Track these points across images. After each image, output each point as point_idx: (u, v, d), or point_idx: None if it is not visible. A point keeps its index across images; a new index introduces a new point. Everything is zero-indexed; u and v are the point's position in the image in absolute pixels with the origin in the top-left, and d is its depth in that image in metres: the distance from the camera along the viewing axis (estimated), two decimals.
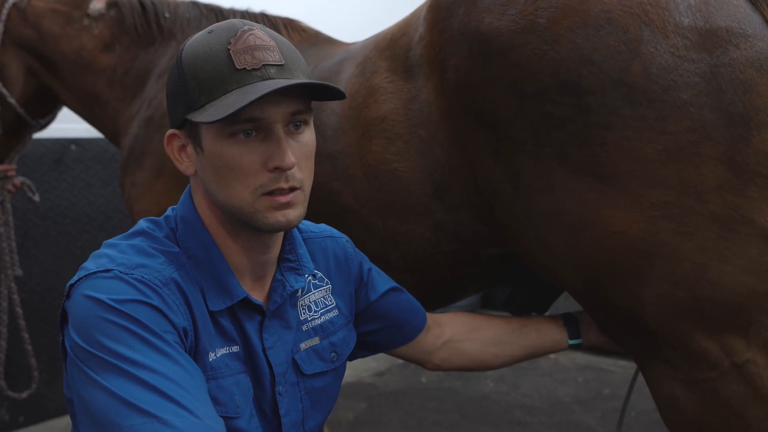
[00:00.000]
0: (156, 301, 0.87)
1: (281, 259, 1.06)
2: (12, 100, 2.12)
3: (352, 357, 1.25)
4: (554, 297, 1.44)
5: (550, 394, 3.06)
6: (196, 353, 0.92)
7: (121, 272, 0.88)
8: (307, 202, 0.95)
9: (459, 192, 1.22)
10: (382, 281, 1.24)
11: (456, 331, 1.31)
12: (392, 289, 1.24)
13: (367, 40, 1.51)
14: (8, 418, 2.91)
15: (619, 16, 0.99)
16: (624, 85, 0.98)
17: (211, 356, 0.94)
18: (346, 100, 1.36)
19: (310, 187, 0.96)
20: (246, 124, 0.88)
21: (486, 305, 4.78)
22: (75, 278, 0.90)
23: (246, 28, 0.90)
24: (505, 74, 1.07)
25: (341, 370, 1.16)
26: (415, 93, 1.25)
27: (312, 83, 0.89)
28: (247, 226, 0.95)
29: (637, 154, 0.98)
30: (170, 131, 0.96)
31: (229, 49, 0.88)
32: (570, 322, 1.32)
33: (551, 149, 1.04)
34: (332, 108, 1.40)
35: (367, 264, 1.23)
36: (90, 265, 0.91)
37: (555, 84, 1.02)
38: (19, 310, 2.35)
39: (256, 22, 1.91)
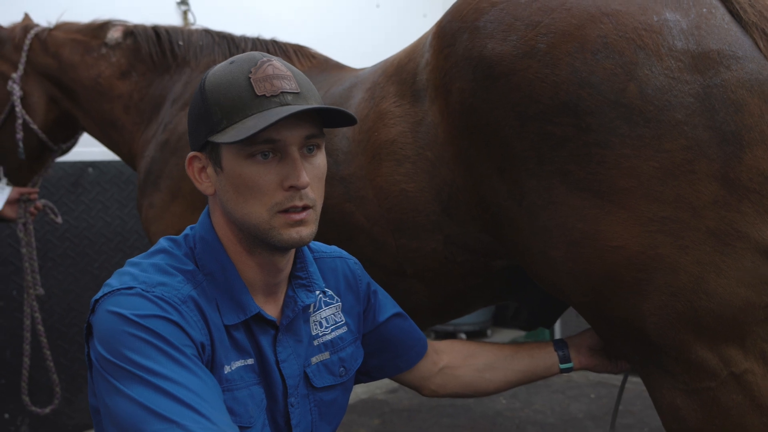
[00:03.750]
0: (175, 317, 0.92)
1: (293, 277, 1.12)
2: (34, 127, 2.20)
3: (360, 378, 1.30)
4: (560, 311, 1.47)
5: (563, 410, 3.06)
6: (212, 366, 0.97)
7: (143, 290, 0.94)
8: (318, 221, 1.02)
9: (467, 209, 1.26)
10: (388, 305, 1.29)
11: (452, 358, 1.35)
12: (397, 315, 1.29)
13: (375, 65, 1.56)
14: None
15: (615, 41, 1.04)
16: (621, 106, 1.02)
17: (227, 369, 1.00)
18: (357, 125, 1.42)
19: (321, 207, 1.02)
20: (264, 145, 0.94)
21: (498, 323, 4.80)
22: (100, 294, 0.96)
23: (265, 59, 0.98)
24: (508, 97, 1.11)
25: (349, 384, 1.21)
26: (421, 116, 1.30)
27: (326, 108, 0.96)
28: (262, 243, 1.00)
29: (635, 171, 1.02)
30: (191, 153, 1.03)
31: (249, 78, 0.95)
32: (561, 348, 1.36)
33: (553, 167, 1.08)
34: (344, 132, 1.45)
35: (374, 286, 1.28)
36: (114, 282, 0.97)
37: (555, 105, 1.06)
38: (40, 328, 2.40)
39: (267, 48, 1.99)
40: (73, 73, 2.19)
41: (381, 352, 1.28)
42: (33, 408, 2.41)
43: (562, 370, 1.35)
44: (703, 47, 1.01)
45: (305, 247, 1.16)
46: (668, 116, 1.00)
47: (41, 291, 2.42)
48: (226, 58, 2.04)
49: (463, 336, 4.56)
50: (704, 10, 1.05)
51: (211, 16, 3.29)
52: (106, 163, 3.20)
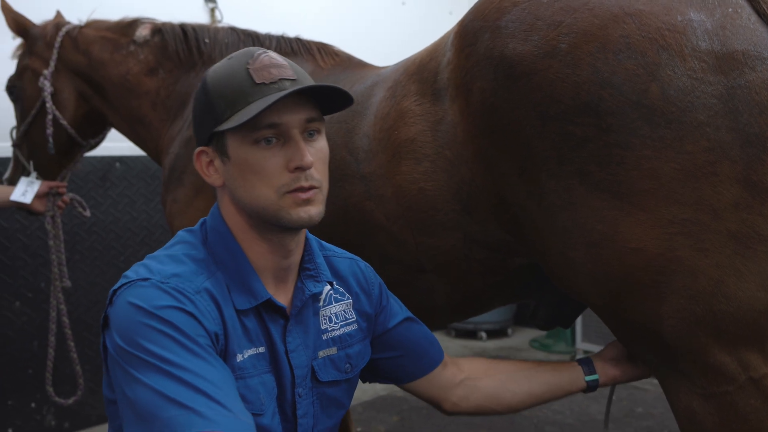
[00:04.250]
0: (190, 308, 0.95)
1: (301, 269, 1.15)
2: (64, 122, 2.25)
3: (370, 378, 1.31)
4: (578, 312, 1.46)
5: (582, 411, 3.05)
6: (225, 355, 1.00)
7: (158, 281, 0.97)
8: (325, 201, 1.05)
9: (486, 207, 1.26)
10: (399, 309, 1.30)
11: (473, 369, 1.34)
12: (409, 319, 1.30)
13: (397, 64, 1.57)
14: (54, 424, 3.03)
15: (638, 41, 1.03)
16: (643, 107, 1.01)
17: (239, 357, 1.02)
18: (378, 123, 1.42)
19: (327, 189, 1.06)
20: (267, 130, 0.99)
21: (518, 322, 4.79)
22: (117, 285, 0.99)
23: (261, 51, 1.03)
24: (529, 96, 1.11)
25: (354, 381, 1.23)
26: (441, 115, 1.30)
27: (324, 86, 1.00)
28: (272, 227, 1.04)
29: (656, 172, 1.01)
30: (198, 149, 1.07)
31: (248, 68, 1.00)
32: (585, 362, 1.35)
33: (573, 168, 1.08)
34: (365, 131, 1.46)
35: (386, 290, 1.29)
36: (130, 274, 1.01)
37: (576, 106, 1.06)
38: (65, 320, 2.46)
39: (291, 46, 2.01)
40: (102, 70, 2.23)
41: (394, 357, 1.28)
42: (57, 399, 2.47)
43: (589, 384, 1.33)
44: (728, 48, 1.00)
45: (312, 241, 1.19)
46: (690, 117, 0.99)
47: (68, 283, 2.48)
48: None
49: (484, 335, 4.55)
50: (730, 9, 1.03)
51: (237, 14, 3.33)
52: (133, 158, 3.25)
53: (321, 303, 1.17)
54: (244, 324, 1.04)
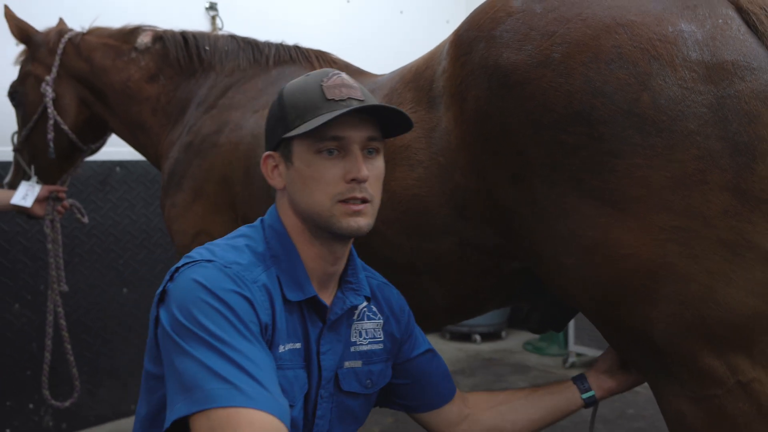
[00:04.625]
0: (248, 294, 1.02)
1: (343, 281, 1.21)
2: (65, 128, 2.27)
3: (382, 402, 1.34)
4: (571, 316, 1.48)
5: (575, 414, 3.05)
6: (270, 345, 1.06)
7: (222, 265, 1.03)
8: (375, 215, 1.13)
9: (480, 213, 1.28)
10: (423, 340, 1.35)
11: (476, 404, 1.37)
12: (430, 351, 1.35)
13: (394, 72, 1.59)
14: (52, 425, 3.04)
15: (630, 51, 1.05)
16: (634, 116, 1.03)
17: (281, 348, 1.08)
18: None
19: (378, 204, 1.14)
20: (330, 142, 1.07)
21: (512, 325, 4.80)
22: (180, 264, 1.06)
23: (335, 72, 1.12)
24: (522, 105, 1.13)
25: (372, 399, 1.27)
26: (436, 122, 1.32)
27: (387, 107, 1.09)
28: (324, 232, 1.11)
29: (647, 180, 1.03)
30: (266, 153, 1.16)
31: (321, 85, 1.09)
32: (579, 380, 1.37)
33: (565, 175, 1.10)
34: None
35: (413, 320, 1.34)
36: (194, 255, 1.07)
37: (569, 114, 1.08)
38: (63, 322, 2.47)
39: (290, 53, 2.04)
40: (104, 77, 2.25)
41: (408, 385, 1.33)
42: (53, 402, 2.48)
43: (586, 401, 1.35)
44: (718, 58, 1.02)
45: (357, 258, 1.25)
46: (681, 126, 1.01)
47: (65, 288, 2.49)
48: (250, 63, 2.09)
49: (478, 338, 4.57)
50: (720, 20, 1.05)
51: (238, 22, 3.36)
52: (133, 163, 3.27)
53: (355, 317, 1.23)
54: (288, 319, 1.10)
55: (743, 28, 1.05)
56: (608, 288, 1.09)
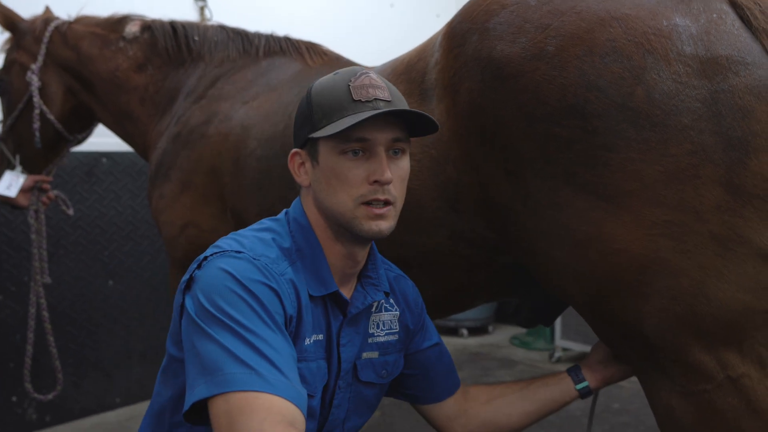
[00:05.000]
0: (275, 286, 1.03)
1: (363, 276, 1.23)
2: (51, 117, 2.24)
3: (389, 392, 1.35)
4: (560, 310, 1.48)
5: (563, 409, 3.07)
6: (295, 338, 1.08)
7: (252, 257, 1.05)
8: (397, 216, 1.13)
9: (472, 206, 1.28)
10: (434, 333, 1.36)
11: (475, 398, 1.38)
12: (440, 344, 1.36)
13: (386, 64, 1.58)
14: (35, 418, 3.00)
15: (624, 45, 1.04)
16: (628, 110, 1.03)
17: (307, 341, 1.10)
18: None
19: (401, 205, 1.14)
20: (355, 143, 1.07)
21: (499, 319, 4.82)
22: (208, 253, 1.07)
23: (364, 71, 1.12)
24: (516, 98, 1.12)
25: (385, 388, 1.29)
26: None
27: (412, 111, 1.08)
28: (346, 233, 1.12)
29: (640, 174, 1.03)
30: (294, 150, 1.17)
31: (349, 86, 1.09)
32: (573, 371, 1.38)
33: (559, 169, 1.09)
34: None
35: (425, 312, 1.35)
36: (222, 245, 1.09)
37: (562, 108, 1.07)
38: (46, 314, 2.44)
39: (280, 45, 2.02)
40: (91, 66, 2.22)
41: (415, 376, 1.34)
42: (35, 395, 2.46)
43: (580, 392, 1.36)
44: (712, 52, 1.02)
45: (377, 253, 1.26)
46: (675, 121, 1.01)
47: (48, 279, 2.46)
48: (239, 54, 2.07)
49: (465, 332, 4.58)
50: (714, 15, 1.05)
51: (227, 13, 3.32)
52: (119, 154, 3.24)
53: (374, 309, 1.25)
54: (313, 312, 1.12)
55: (737, 23, 1.05)
56: (600, 282, 1.09)
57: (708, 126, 1.00)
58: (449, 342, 4.45)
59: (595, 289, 1.10)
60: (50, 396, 2.50)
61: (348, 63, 1.95)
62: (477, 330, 4.67)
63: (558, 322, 3.90)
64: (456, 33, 1.26)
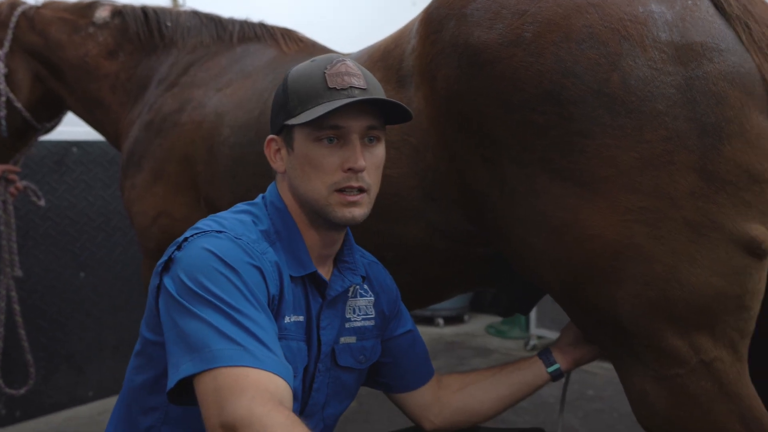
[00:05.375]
0: (259, 265, 1.04)
1: (340, 261, 1.23)
2: (18, 105, 2.18)
3: (365, 380, 1.34)
4: (537, 299, 1.49)
5: (535, 394, 3.09)
6: (277, 315, 1.08)
7: (234, 236, 1.05)
8: (372, 204, 1.14)
9: (449, 195, 1.27)
10: (409, 320, 1.36)
11: (448, 387, 1.38)
12: (413, 332, 1.36)
13: (362, 50, 1.56)
14: (5, 413, 2.95)
15: (600, 31, 1.04)
16: (604, 96, 1.03)
17: (287, 319, 1.11)
18: None
19: (376, 193, 1.15)
20: (330, 131, 1.08)
21: (475, 308, 4.85)
22: (188, 234, 1.07)
23: (340, 59, 1.11)
24: (493, 84, 1.12)
25: (363, 374, 1.29)
26: (406, 102, 1.30)
27: (387, 100, 1.09)
28: (320, 218, 1.13)
29: (615, 161, 1.03)
30: (270, 136, 1.18)
31: (324, 73, 1.09)
32: (544, 354, 1.39)
33: (535, 155, 1.09)
34: None
35: (400, 299, 1.35)
36: (202, 225, 1.08)
37: (539, 94, 1.07)
38: (16, 307, 2.39)
39: (255, 31, 1.99)
40: (60, 52, 2.17)
41: (389, 364, 1.33)
42: (7, 390, 2.41)
43: (552, 374, 1.37)
44: (687, 39, 1.03)
45: (352, 239, 1.26)
46: (650, 107, 1.01)
47: (19, 273, 2.41)
48: (213, 40, 2.04)
49: (441, 321, 4.60)
50: (689, 2, 1.06)
51: None
52: (90, 143, 3.17)
53: (350, 294, 1.25)
54: (293, 292, 1.13)
55: (712, 9, 1.06)
56: (576, 268, 1.09)
57: (683, 112, 1.01)
58: (425, 331, 4.47)
59: (571, 276, 1.11)
60: (22, 390, 2.46)
61: (324, 50, 1.93)
62: (453, 319, 4.69)
63: (533, 311, 3.94)
64: (433, 19, 1.25)
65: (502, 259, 1.29)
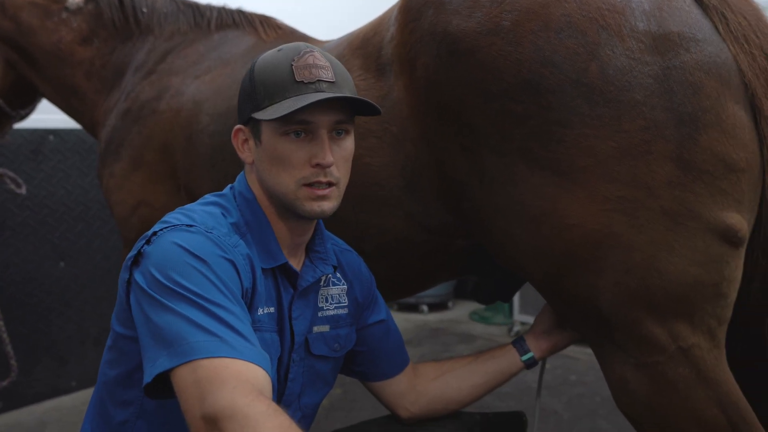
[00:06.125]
0: (232, 258, 1.03)
1: (311, 250, 1.23)
2: None
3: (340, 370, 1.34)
4: (518, 287, 1.49)
5: (518, 380, 3.08)
6: (250, 307, 1.08)
7: (205, 230, 1.04)
8: (341, 197, 1.13)
9: (429, 185, 1.27)
10: (383, 309, 1.36)
11: (424, 375, 1.38)
12: (387, 321, 1.36)
13: (341, 38, 1.55)
14: None
15: (579, 20, 1.04)
16: (582, 86, 1.03)
17: (260, 311, 1.11)
18: None
19: (345, 185, 1.14)
20: (297, 125, 1.06)
21: (459, 295, 4.87)
22: (156, 228, 1.05)
23: (308, 49, 1.09)
24: (471, 73, 1.12)
25: (339, 362, 1.29)
26: (387, 90, 1.29)
27: (354, 98, 1.07)
28: (289, 212, 1.12)
29: (594, 150, 1.03)
30: (237, 126, 1.15)
31: (292, 65, 1.07)
32: (518, 342, 1.39)
33: (514, 145, 1.09)
34: None
35: (375, 287, 1.35)
36: (171, 219, 1.07)
37: (518, 83, 1.07)
38: None
39: (233, 17, 1.97)
40: (32, 38, 2.12)
41: (363, 353, 1.33)
42: None
43: (526, 362, 1.37)
44: (664, 29, 1.03)
45: (324, 228, 1.26)
46: (628, 97, 1.01)
47: None
48: (190, 27, 2.01)
49: (425, 308, 4.62)
50: None
51: None
52: (67, 131, 3.13)
53: (322, 283, 1.25)
54: (264, 284, 1.12)
55: None
56: (556, 258, 1.10)
57: (660, 102, 1.01)
58: (410, 318, 4.49)
59: (551, 266, 1.11)
60: (5, 383, 2.43)
61: (303, 38, 1.91)
62: (437, 306, 4.71)
63: (516, 297, 3.96)
64: (411, 6, 1.24)
65: (483, 250, 1.29)
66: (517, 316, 3.99)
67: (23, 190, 2.43)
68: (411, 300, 4.59)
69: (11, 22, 2.12)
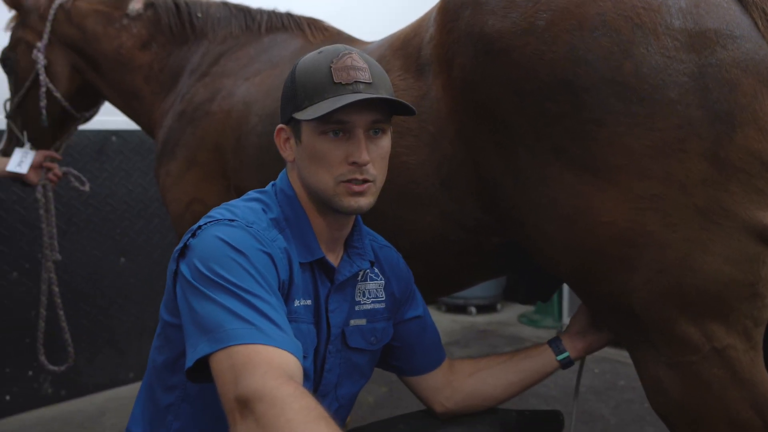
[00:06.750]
0: (270, 251, 1.08)
1: (349, 246, 1.27)
2: (58, 95, 2.26)
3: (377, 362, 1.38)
4: (556, 286, 1.49)
5: (566, 384, 3.09)
6: (287, 299, 1.13)
7: (245, 224, 1.09)
8: (378, 193, 1.17)
9: (464, 183, 1.29)
10: (420, 305, 1.39)
11: (461, 372, 1.40)
12: (425, 317, 1.39)
13: (383, 39, 1.58)
14: (51, 392, 3.08)
15: (613, 19, 1.05)
16: (616, 84, 1.03)
17: (297, 303, 1.16)
18: None
19: (382, 182, 1.18)
20: (335, 125, 1.11)
21: (507, 297, 4.83)
22: (201, 222, 1.12)
23: (347, 51, 1.14)
24: (507, 73, 1.13)
25: (377, 355, 1.33)
26: (425, 90, 1.32)
27: (390, 99, 1.10)
28: (328, 207, 1.17)
29: (628, 149, 1.03)
30: (279, 126, 1.21)
31: (330, 67, 1.12)
32: (553, 342, 1.40)
33: (548, 143, 1.10)
34: None
35: (413, 283, 1.38)
36: (215, 214, 1.13)
37: (552, 82, 1.08)
38: (56, 289, 2.48)
39: (282, 21, 2.03)
40: (96, 44, 2.24)
41: (400, 348, 1.36)
42: (50, 366, 2.51)
43: (561, 362, 1.38)
44: (701, 26, 1.02)
45: (362, 223, 1.30)
46: (662, 95, 1.01)
47: (58, 256, 2.49)
48: (242, 31, 2.08)
49: (473, 309, 4.60)
50: None
51: None
52: (129, 132, 3.27)
53: (359, 278, 1.29)
54: (301, 277, 1.17)
55: None
56: (589, 256, 1.10)
57: (695, 100, 1.00)
58: (457, 319, 4.48)
59: (584, 263, 1.12)
60: (63, 367, 2.55)
61: (348, 39, 1.96)
62: (485, 308, 4.68)
63: (565, 299, 3.91)
64: (450, 8, 1.27)
65: (517, 248, 1.30)
66: (566, 319, 3.93)
67: (86, 187, 2.55)
68: (459, 301, 4.59)
69: (77, 30, 2.24)
